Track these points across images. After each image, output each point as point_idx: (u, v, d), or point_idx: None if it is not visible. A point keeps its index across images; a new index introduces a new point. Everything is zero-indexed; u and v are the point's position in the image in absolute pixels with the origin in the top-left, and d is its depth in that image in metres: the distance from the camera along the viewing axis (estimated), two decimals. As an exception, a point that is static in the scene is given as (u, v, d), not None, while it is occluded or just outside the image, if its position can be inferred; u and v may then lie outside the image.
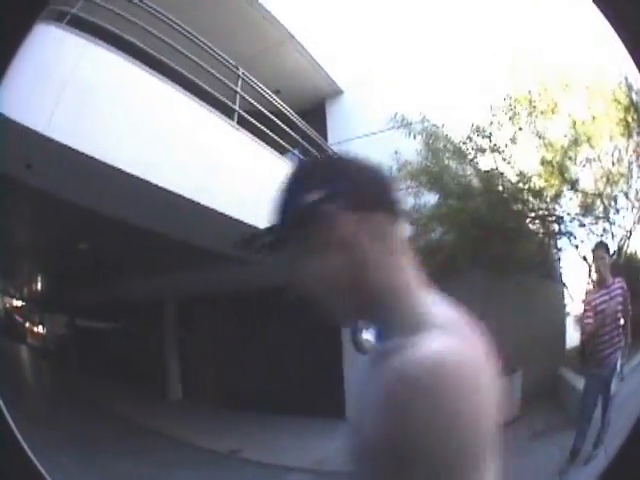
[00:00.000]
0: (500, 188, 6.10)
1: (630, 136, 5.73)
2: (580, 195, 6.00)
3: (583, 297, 4.57)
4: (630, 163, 5.81)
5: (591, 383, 4.32)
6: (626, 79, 5.56)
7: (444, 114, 6.06)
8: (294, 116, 6.69)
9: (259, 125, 5.78)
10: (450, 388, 0.67)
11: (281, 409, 6.65)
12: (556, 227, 6.10)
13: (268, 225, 0.85)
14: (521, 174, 5.91)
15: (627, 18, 1.19)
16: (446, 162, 6.24)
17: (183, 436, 6.18)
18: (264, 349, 7.32)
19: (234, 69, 5.95)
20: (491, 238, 5.83)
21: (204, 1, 6.07)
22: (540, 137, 5.87)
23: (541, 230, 6.28)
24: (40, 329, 11.73)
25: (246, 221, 4.68)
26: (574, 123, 5.73)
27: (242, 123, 5.51)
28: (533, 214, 6.10)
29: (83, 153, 3.73)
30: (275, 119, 6.17)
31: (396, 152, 6.19)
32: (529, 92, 5.81)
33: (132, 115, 4.23)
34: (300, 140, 6.59)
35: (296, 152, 6.51)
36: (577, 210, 6.04)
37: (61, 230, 6.31)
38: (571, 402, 4.95)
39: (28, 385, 8.40)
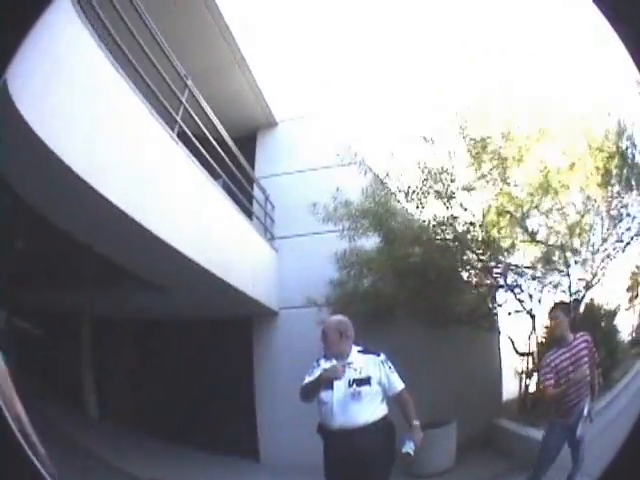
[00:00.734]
0: (450, 236, 6.15)
1: (609, 185, 5.89)
2: (539, 246, 6.10)
3: (543, 357, 4.66)
4: (600, 213, 5.97)
5: (555, 430, 4.47)
6: (619, 123, 5.79)
7: (397, 156, 6.23)
8: (230, 142, 6.75)
9: (197, 143, 5.70)
10: None
11: (196, 444, 6.73)
12: (506, 279, 6.18)
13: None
14: (474, 223, 5.97)
15: (627, 18, 1.33)
16: (393, 205, 6.35)
17: (101, 454, 6.01)
18: (179, 381, 7.35)
19: (183, 78, 5.88)
20: (431, 288, 5.99)
21: (169, 3, 6.08)
22: (503, 184, 5.93)
23: (488, 282, 6.37)
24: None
25: (172, 245, 4.59)
26: (546, 172, 5.81)
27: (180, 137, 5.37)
28: (482, 265, 6.18)
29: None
30: (212, 141, 6.16)
31: (338, 189, 6.44)
32: (497, 137, 5.91)
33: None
34: (233, 168, 6.67)
35: (225, 179, 6.50)
36: (534, 261, 6.14)
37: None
38: (513, 449, 5.31)
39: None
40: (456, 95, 6.02)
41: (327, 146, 7.41)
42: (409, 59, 7.46)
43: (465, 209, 6.03)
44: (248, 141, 8.22)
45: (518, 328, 6.24)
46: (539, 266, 6.08)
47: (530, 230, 6.06)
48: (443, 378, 6.14)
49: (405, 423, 3.66)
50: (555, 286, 6.06)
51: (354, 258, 6.53)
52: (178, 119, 5.36)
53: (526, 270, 6.10)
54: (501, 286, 6.22)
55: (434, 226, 6.13)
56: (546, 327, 5.25)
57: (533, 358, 6.18)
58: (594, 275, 6.02)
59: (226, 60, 7.38)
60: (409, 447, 3.60)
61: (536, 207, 5.94)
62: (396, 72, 7.54)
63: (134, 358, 8.07)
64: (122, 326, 7.74)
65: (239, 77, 7.73)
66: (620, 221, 5.96)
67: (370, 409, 3.61)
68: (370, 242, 6.64)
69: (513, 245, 6.11)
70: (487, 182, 5.98)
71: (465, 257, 6.19)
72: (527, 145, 5.85)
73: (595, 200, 5.97)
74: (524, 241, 6.08)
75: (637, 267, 6.49)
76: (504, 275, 6.17)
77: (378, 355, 3.76)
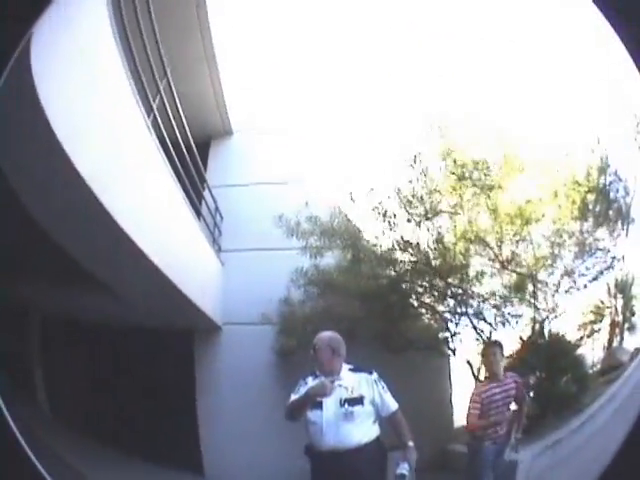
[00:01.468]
0: (419, 259, 6.34)
1: (583, 219, 6.24)
2: (507, 275, 6.38)
3: (474, 389, 5.12)
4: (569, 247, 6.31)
5: (484, 454, 4.82)
6: (601, 159, 6.16)
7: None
8: (193, 147, 6.74)
9: (166, 139, 5.66)
10: None
11: (141, 453, 6.69)
12: (467, 307, 6.44)
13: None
14: (447, 247, 6.18)
15: (627, 18, 1.39)
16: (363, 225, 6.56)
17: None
18: (124, 389, 7.32)
19: (166, 68, 5.93)
20: (392, 312, 6.32)
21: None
22: (480, 211, 6.15)
23: (447, 308, 6.61)
24: None
25: (133, 239, 4.38)
26: (524, 202, 6.06)
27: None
28: (444, 291, 6.42)
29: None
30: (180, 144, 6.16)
31: (307, 203, 6.67)
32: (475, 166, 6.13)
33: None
34: (194, 173, 6.69)
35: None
36: (504, 290, 6.41)
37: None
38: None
39: None
40: (437, 115, 6.26)
41: (283, 162, 7.81)
42: (383, 78, 7.73)
43: (438, 233, 6.24)
44: (200, 148, 7.98)
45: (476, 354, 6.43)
46: (511, 294, 6.35)
47: (502, 259, 6.29)
48: (399, 402, 6.38)
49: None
50: (516, 316, 6.41)
51: (316, 276, 6.64)
52: (154, 107, 5.34)
53: (496, 299, 6.36)
54: (464, 314, 6.44)
55: (404, 249, 6.34)
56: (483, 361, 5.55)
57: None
58: (555, 306, 6.40)
59: (197, 55, 7.36)
60: (403, 468, 3.60)
61: (515, 235, 6.19)
62: (366, 93, 7.79)
63: (81, 361, 7.82)
64: (71, 327, 7.59)
65: (205, 77, 7.74)
66: (591, 255, 6.35)
67: (362, 430, 3.60)
68: (327, 261, 6.83)
69: (482, 273, 6.36)
70: (463, 208, 6.18)
71: (431, 282, 6.39)
72: (507, 174, 6.12)
73: (567, 233, 6.30)
74: (496, 268, 6.33)
75: (601, 302, 6.95)
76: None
77: (371, 373, 3.76)
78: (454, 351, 6.63)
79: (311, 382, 3.75)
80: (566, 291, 6.42)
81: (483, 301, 6.38)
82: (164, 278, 5.20)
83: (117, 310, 6.54)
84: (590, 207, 6.27)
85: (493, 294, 6.42)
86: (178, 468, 6.81)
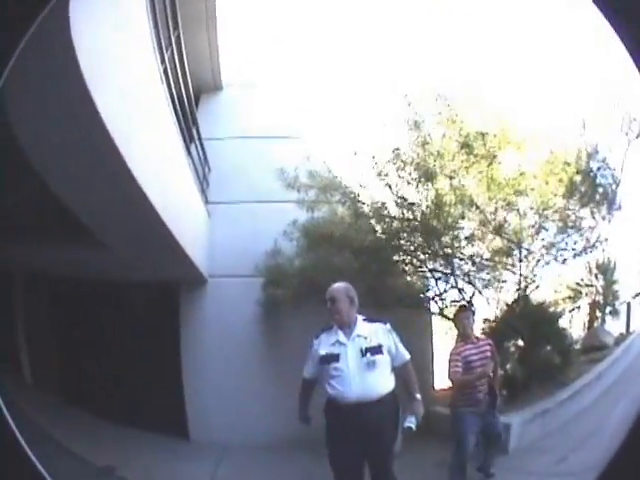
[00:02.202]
0: (411, 217, 6.72)
1: (570, 197, 6.69)
2: (496, 240, 6.84)
3: (452, 349, 5.41)
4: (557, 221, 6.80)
5: (466, 419, 5.16)
6: (591, 146, 6.69)
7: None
8: (192, 98, 6.94)
9: (172, 89, 5.82)
10: None
11: (123, 419, 6.82)
12: (455, 268, 6.88)
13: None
14: (439, 209, 6.50)
15: (627, 18, 1.43)
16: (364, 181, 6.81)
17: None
18: (106, 348, 7.49)
19: (178, 18, 6.16)
20: (384, 267, 6.75)
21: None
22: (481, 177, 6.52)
23: (436, 267, 7.02)
24: None
25: (137, 178, 4.37)
26: (519, 174, 6.51)
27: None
28: (436, 250, 6.77)
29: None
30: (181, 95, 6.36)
31: (309, 158, 6.93)
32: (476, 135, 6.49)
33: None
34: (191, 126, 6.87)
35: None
36: (492, 254, 6.92)
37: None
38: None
39: None
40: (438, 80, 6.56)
41: (272, 116, 8.10)
42: (384, 41, 8.01)
43: (435, 195, 6.55)
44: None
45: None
46: (497, 259, 6.83)
47: (493, 225, 6.70)
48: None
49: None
50: (501, 281, 6.93)
51: (312, 228, 6.91)
52: (166, 57, 5.49)
53: (485, 262, 6.85)
54: (452, 274, 6.85)
55: (402, 206, 6.68)
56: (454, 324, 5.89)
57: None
58: (537, 276, 6.92)
59: (199, 14, 7.69)
60: (410, 421, 3.80)
61: (506, 204, 6.61)
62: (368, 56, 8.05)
63: (62, 320, 8.05)
64: (52, 284, 7.72)
65: (202, 32, 8.05)
66: (575, 232, 6.87)
67: (383, 380, 3.79)
68: (320, 215, 7.17)
69: (472, 236, 6.81)
70: (459, 174, 6.56)
71: (425, 240, 6.73)
72: (502, 148, 6.52)
73: (552, 208, 6.75)
74: (490, 232, 6.77)
75: (581, 280, 7.54)
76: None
77: (385, 323, 3.94)
78: (442, 310, 7.08)
79: (324, 338, 3.92)
80: (547, 263, 6.90)
81: (472, 263, 6.82)
82: (160, 223, 5.27)
83: (102, 263, 6.60)
84: (576, 187, 6.71)
85: (480, 257, 6.88)
86: (162, 431, 6.94)
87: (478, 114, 6.52)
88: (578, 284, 7.68)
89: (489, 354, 5.34)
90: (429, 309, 7.34)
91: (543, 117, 6.39)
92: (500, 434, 5.50)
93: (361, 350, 3.75)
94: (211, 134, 8.18)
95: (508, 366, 6.83)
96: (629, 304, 7.53)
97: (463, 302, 6.83)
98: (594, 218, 6.87)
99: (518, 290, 6.91)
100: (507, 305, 7.06)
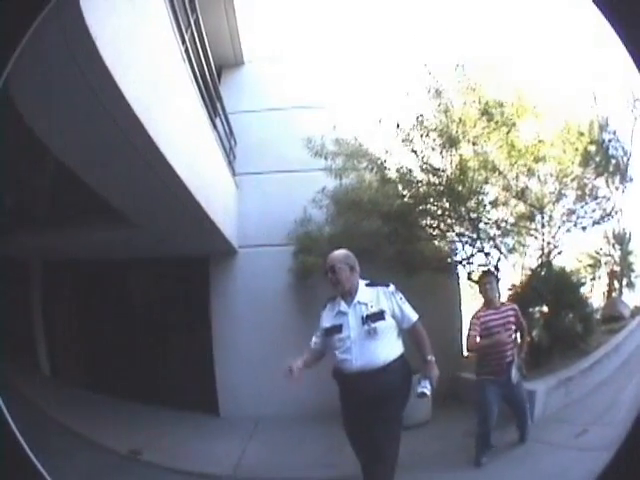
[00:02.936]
0: (437, 182, 6.83)
1: (586, 166, 6.89)
2: (521, 205, 7.03)
3: (473, 314, 5.47)
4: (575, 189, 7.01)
5: (488, 389, 5.21)
6: (603, 118, 6.89)
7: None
8: (214, 77, 7.02)
9: (194, 65, 5.89)
10: None
11: (150, 398, 6.98)
12: (480, 232, 6.99)
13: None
14: (464, 174, 6.64)
15: (627, 18, 1.45)
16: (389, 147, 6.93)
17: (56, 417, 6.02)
18: (132, 329, 7.61)
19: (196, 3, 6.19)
20: (412, 232, 6.95)
21: None
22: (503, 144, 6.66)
23: (463, 231, 7.15)
24: None
25: (166, 156, 4.44)
26: (537, 141, 6.66)
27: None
28: (462, 215, 6.90)
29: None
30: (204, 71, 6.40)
31: (335, 127, 7.05)
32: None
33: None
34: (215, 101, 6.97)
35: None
36: (516, 218, 7.10)
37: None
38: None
39: None
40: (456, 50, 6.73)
41: (295, 87, 8.24)
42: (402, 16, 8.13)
43: (460, 161, 6.69)
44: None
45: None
46: (521, 224, 7.02)
47: (516, 190, 6.87)
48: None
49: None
50: (524, 245, 7.14)
51: (341, 194, 7.08)
52: (187, 38, 5.55)
53: (509, 227, 7.02)
54: (478, 238, 6.99)
55: (428, 171, 6.82)
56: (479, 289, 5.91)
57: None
58: (559, 242, 7.07)
59: None
60: (424, 387, 3.69)
61: (527, 170, 6.78)
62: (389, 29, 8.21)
63: (85, 304, 8.08)
64: (73, 268, 7.77)
65: (220, 10, 8.22)
66: (592, 200, 7.05)
67: (388, 347, 3.72)
68: (347, 182, 7.27)
69: (496, 201, 6.97)
70: (482, 140, 6.69)
71: (451, 205, 6.89)
72: (521, 116, 6.66)
73: (570, 175, 6.93)
74: (512, 197, 6.94)
75: (600, 248, 7.73)
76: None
77: (387, 286, 3.85)
78: (469, 275, 7.18)
79: (329, 309, 3.93)
80: (568, 230, 7.07)
81: (497, 227, 6.98)
82: (189, 196, 5.36)
83: (131, 242, 6.70)
84: (591, 157, 6.90)
85: (505, 221, 7.06)
86: (192, 409, 7.10)
87: (496, 84, 6.67)
88: (597, 252, 7.86)
89: (512, 319, 5.38)
90: (457, 274, 7.51)
91: (557, 88, 6.57)
92: (525, 403, 5.55)
93: (362, 318, 3.73)
94: (235, 108, 8.30)
95: (534, 332, 6.89)
96: (644, 277, 7.51)
97: (490, 267, 6.93)
98: (609, 187, 7.06)
99: (541, 256, 7.07)
100: (531, 270, 7.22)
